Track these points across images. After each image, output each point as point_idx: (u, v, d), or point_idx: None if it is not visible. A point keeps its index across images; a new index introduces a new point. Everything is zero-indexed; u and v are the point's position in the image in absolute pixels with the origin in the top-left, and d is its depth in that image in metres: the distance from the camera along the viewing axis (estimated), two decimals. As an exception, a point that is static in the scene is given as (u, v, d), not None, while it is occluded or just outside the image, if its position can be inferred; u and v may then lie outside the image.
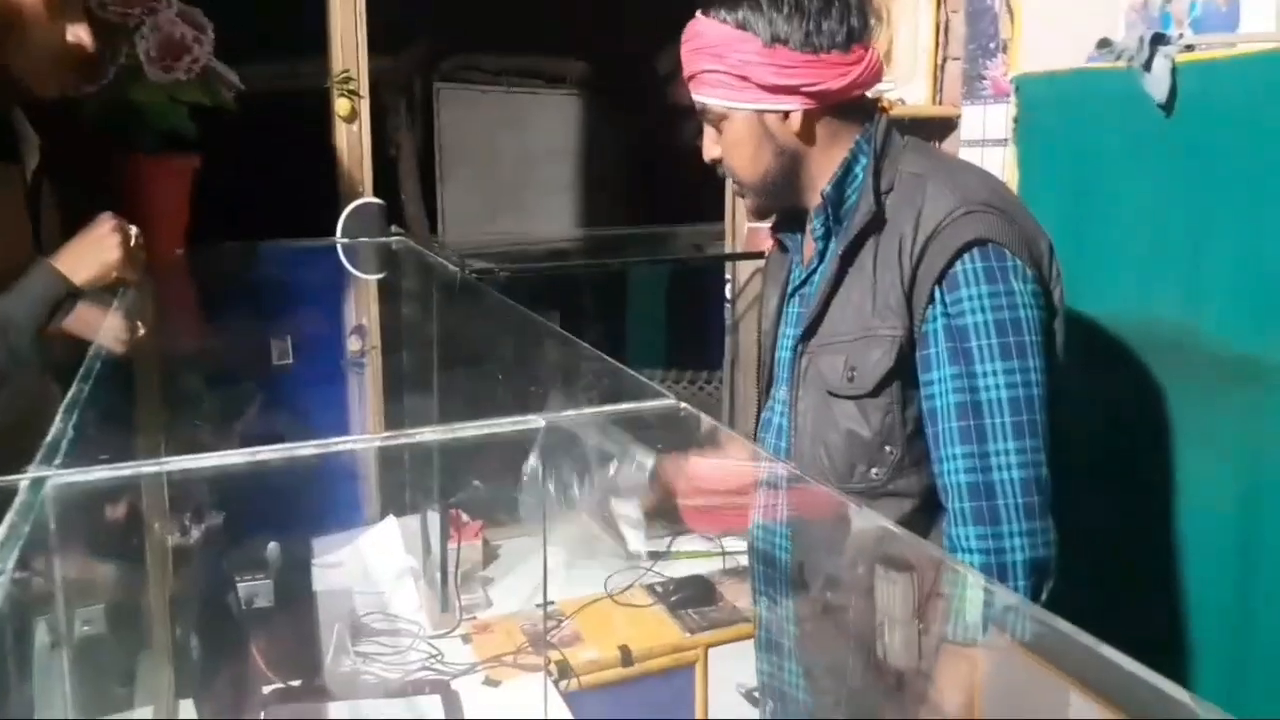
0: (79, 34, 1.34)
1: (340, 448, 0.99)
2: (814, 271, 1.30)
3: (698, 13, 1.25)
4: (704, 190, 2.59)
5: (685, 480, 1.27)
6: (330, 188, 1.89)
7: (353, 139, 1.90)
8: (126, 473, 0.73)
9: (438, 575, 1.85)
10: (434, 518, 1.86)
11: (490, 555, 2.17)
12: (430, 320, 1.70)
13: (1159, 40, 1.55)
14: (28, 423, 0.96)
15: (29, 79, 1.32)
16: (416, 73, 3.43)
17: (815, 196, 1.27)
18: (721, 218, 2.55)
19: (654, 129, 3.68)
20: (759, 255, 2.25)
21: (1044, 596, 1.14)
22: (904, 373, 1.19)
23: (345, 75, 1.87)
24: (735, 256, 2.49)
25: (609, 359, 1.14)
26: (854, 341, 1.21)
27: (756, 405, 1.46)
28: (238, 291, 1.70)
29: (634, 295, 3.63)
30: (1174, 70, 1.53)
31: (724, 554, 2.23)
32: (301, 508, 1.08)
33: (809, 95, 1.21)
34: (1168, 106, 1.54)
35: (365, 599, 1.87)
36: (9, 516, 0.62)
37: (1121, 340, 1.63)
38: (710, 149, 1.29)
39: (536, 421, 0.96)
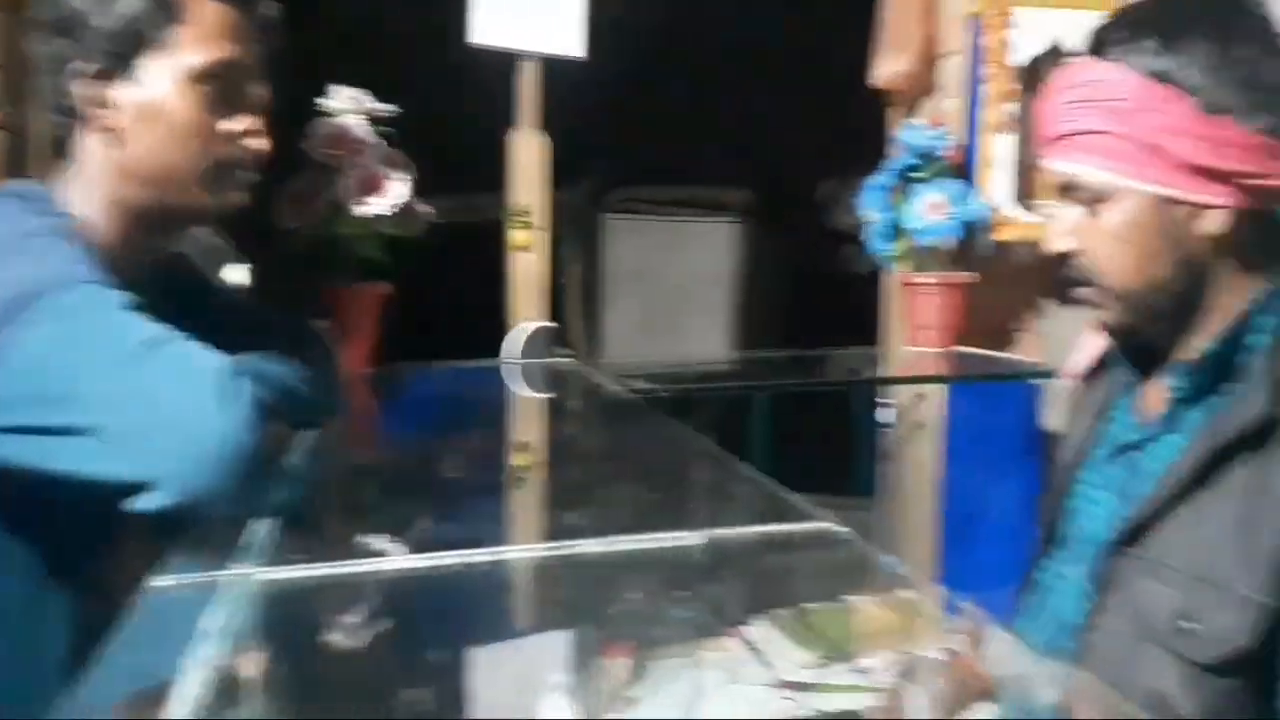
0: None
1: (503, 557, 1.04)
2: (1153, 439, 0.97)
3: (1085, 54, 0.93)
4: (858, 313, 2.60)
5: None
6: (504, 312, 2.02)
7: (527, 267, 2.02)
8: (319, 573, 0.79)
9: (586, 692, 1.85)
10: (585, 633, 1.87)
11: (638, 674, 2.15)
12: (592, 436, 1.76)
13: None
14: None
15: None
16: (586, 205, 3.63)
17: (1188, 348, 0.95)
18: (875, 341, 2.56)
19: (809, 254, 3.74)
20: (915, 380, 2.23)
21: None
22: (1269, 658, 0.85)
23: (524, 209, 2.01)
24: (890, 381, 2.46)
25: (766, 480, 1.15)
26: (1193, 583, 0.88)
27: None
28: (416, 409, 1.81)
29: (783, 418, 3.63)
30: None
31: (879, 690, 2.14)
32: (458, 618, 1.13)
33: (1244, 191, 0.89)
34: None
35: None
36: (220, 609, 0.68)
37: None
38: (1065, 237, 0.95)
39: (695, 538, 0.99)
